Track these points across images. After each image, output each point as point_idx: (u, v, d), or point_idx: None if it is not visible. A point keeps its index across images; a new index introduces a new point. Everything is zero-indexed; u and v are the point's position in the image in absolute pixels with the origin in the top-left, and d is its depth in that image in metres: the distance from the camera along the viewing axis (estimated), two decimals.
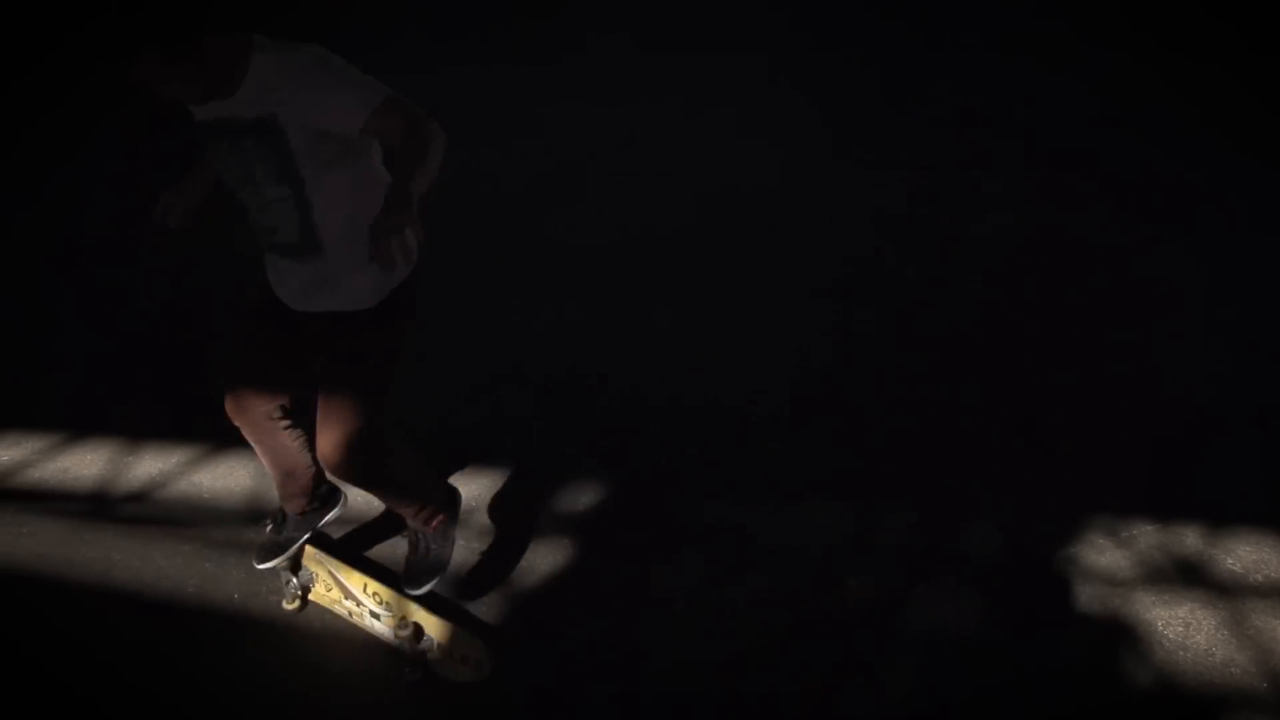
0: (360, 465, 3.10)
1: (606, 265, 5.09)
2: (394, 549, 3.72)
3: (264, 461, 3.41)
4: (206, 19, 2.62)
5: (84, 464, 4.09)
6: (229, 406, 3.26)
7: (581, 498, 3.93)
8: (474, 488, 3.97)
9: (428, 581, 3.46)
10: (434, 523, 3.49)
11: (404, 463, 3.29)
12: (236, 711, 3.28)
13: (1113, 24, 7.34)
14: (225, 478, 4.00)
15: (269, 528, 3.55)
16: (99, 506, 3.94)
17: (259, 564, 3.47)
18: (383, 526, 3.80)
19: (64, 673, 3.40)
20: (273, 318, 3.12)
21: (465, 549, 3.75)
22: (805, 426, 4.21)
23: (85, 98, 6.39)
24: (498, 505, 3.92)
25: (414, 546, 3.53)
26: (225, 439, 4.08)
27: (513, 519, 3.87)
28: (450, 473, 4.00)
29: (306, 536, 3.53)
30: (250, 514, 3.88)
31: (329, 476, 3.32)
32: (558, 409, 4.30)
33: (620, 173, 5.80)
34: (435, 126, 2.68)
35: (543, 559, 3.73)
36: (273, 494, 3.92)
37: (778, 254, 5.17)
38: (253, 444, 3.35)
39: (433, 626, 3.37)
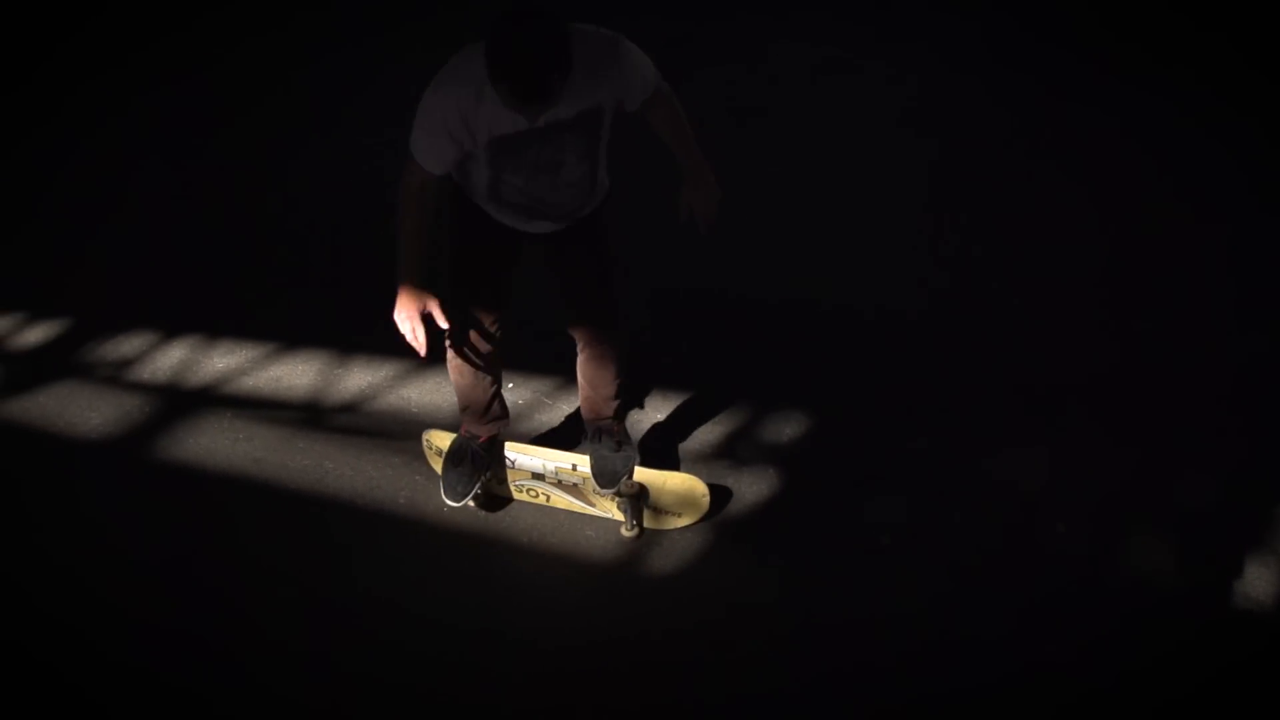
0: (622, 335, 3.42)
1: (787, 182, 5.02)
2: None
3: (463, 384, 3.49)
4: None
5: (296, 374, 4.20)
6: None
7: (786, 428, 3.91)
8: (677, 414, 3.99)
9: (621, 477, 3.51)
10: (621, 418, 3.61)
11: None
12: (455, 617, 3.39)
13: None
14: (433, 393, 4.07)
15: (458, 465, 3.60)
16: (311, 415, 4.05)
17: (454, 502, 3.56)
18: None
19: (283, 574, 3.55)
20: (496, 250, 3.27)
21: None
22: (1020, 362, 4.12)
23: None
24: (701, 432, 3.92)
25: (600, 443, 3.57)
26: (431, 355, 4.16)
27: (717, 447, 3.87)
28: (648, 398, 4.04)
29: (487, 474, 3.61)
30: (458, 429, 3.94)
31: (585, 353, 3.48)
32: (755, 333, 4.28)
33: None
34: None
35: (748, 488, 3.72)
36: None
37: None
38: (459, 367, 3.45)
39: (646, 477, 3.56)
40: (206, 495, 3.79)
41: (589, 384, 3.55)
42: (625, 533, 3.56)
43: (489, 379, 3.47)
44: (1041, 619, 3.33)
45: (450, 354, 3.40)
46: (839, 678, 3.20)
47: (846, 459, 3.81)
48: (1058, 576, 3.45)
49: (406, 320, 3.09)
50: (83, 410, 4.12)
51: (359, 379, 4.16)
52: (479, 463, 3.56)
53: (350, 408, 4.07)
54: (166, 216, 4.94)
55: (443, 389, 4.08)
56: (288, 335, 4.33)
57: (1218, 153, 5.07)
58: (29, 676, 3.27)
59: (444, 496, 3.56)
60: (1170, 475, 3.74)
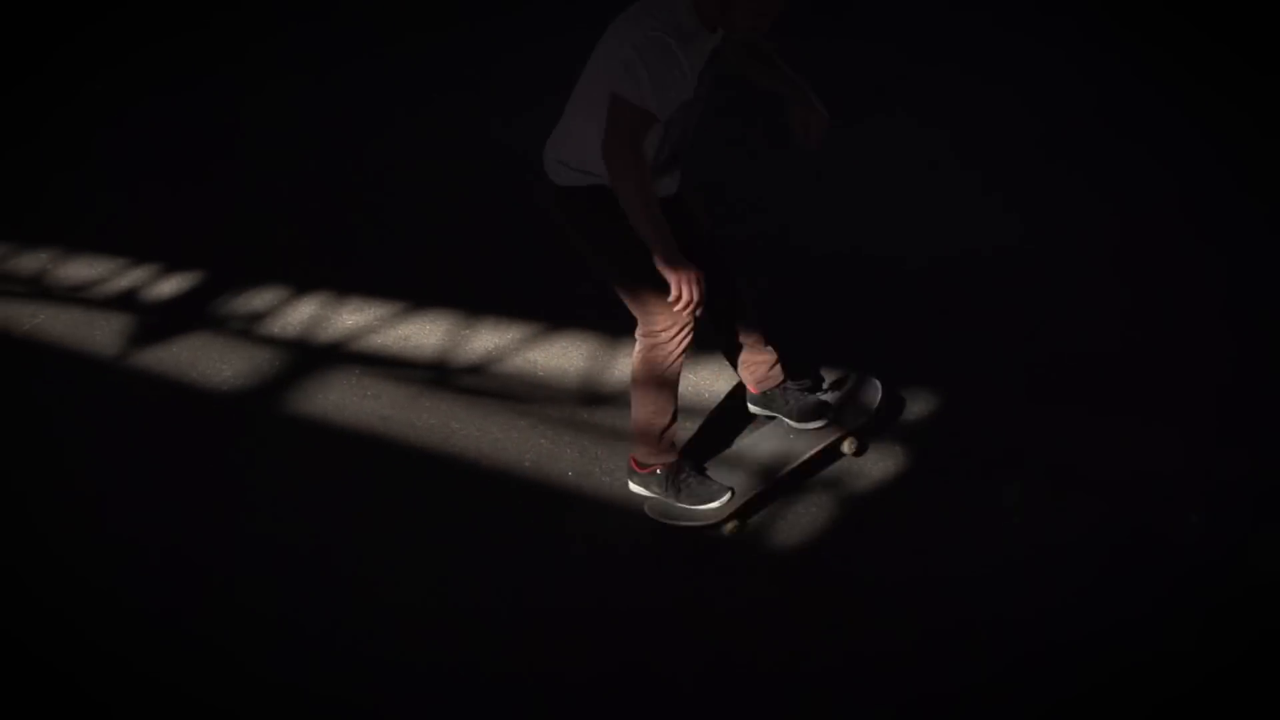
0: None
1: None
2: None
3: (664, 396, 3.39)
4: None
5: (424, 333, 4.26)
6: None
7: (914, 406, 3.87)
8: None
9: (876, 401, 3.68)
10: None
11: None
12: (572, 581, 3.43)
13: None
14: (559, 357, 4.10)
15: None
16: (438, 375, 4.11)
17: (725, 504, 3.45)
18: None
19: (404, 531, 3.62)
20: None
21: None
22: (1151, 346, 4.02)
23: None
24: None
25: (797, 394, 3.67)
26: (559, 319, 4.22)
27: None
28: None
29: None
30: (584, 395, 3.96)
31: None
32: (880, 308, 4.25)
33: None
34: None
35: (873, 465, 3.70)
36: (604, 376, 4.02)
37: None
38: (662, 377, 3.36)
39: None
40: (336, 450, 3.88)
41: (749, 342, 3.55)
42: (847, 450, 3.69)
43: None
44: (1172, 616, 3.26)
45: (649, 363, 3.30)
46: (951, 639, 3.19)
47: (975, 438, 3.75)
48: (1190, 572, 3.37)
49: (693, 284, 3.03)
50: (215, 362, 4.22)
51: (486, 340, 4.21)
52: (697, 467, 3.54)
53: (477, 369, 4.12)
54: (299, 175, 5.02)
55: (569, 354, 4.11)
56: (416, 295, 4.39)
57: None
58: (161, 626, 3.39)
59: (712, 518, 3.43)
60: None
